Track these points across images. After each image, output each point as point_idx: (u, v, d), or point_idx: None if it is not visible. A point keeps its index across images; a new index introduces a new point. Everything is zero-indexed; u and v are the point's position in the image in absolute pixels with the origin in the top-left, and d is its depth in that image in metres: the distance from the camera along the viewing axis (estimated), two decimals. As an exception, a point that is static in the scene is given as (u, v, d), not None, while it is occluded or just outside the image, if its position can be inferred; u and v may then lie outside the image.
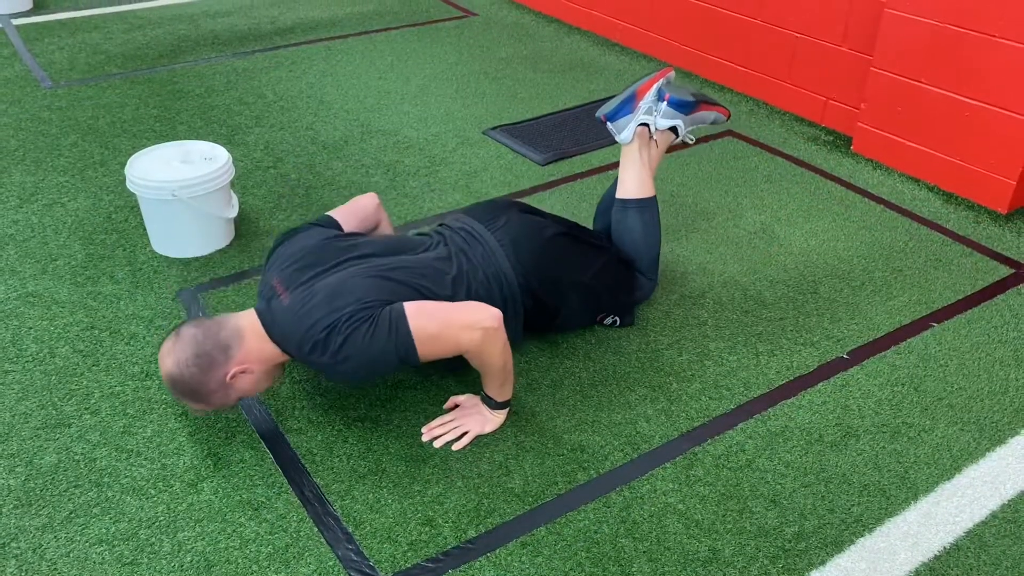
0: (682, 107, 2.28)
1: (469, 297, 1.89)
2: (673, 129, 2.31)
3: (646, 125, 2.28)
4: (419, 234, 2.09)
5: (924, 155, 2.96)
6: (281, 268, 1.87)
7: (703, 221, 2.73)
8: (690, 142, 2.40)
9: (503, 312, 1.83)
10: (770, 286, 2.41)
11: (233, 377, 1.75)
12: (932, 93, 2.85)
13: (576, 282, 2.09)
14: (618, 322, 2.22)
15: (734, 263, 2.51)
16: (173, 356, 1.73)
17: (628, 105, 2.29)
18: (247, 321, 1.80)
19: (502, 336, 1.78)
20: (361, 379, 1.80)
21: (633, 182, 2.28)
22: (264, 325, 1.79)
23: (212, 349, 1.73)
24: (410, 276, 1.85)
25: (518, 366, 2.08)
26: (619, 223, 2.27)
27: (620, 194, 2.29)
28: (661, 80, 2.30)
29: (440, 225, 2.10)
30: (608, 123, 2.31)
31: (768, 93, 3.57)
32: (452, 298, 1.87)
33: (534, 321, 2.08)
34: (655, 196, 2.29)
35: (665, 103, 2.27)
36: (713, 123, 2.39)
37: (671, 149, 2.53)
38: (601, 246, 2.19)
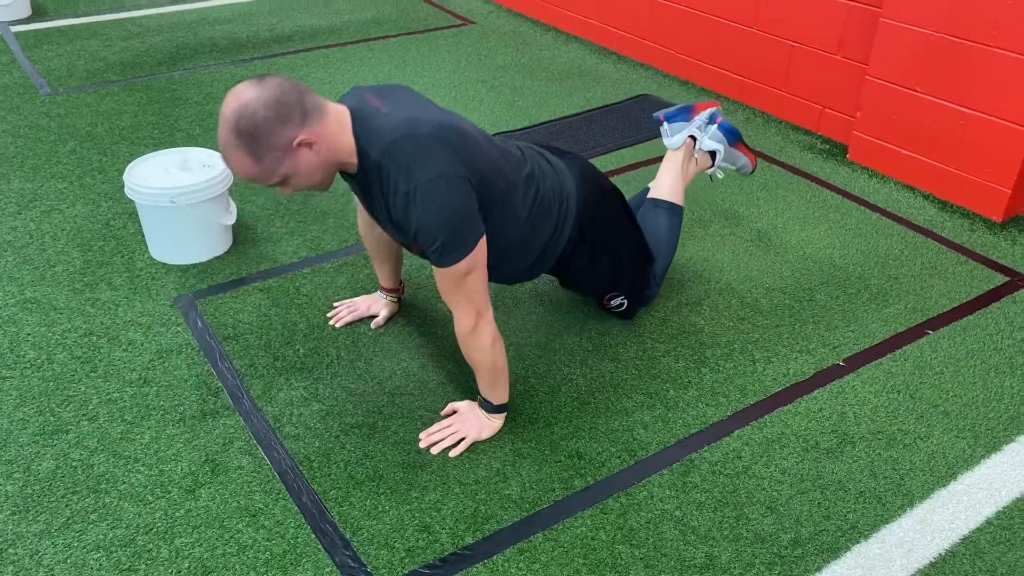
0: (729, 134, 2.43)
1: (537, 196, 1.90)
2: (712, 154, 2.42)
3: (693, 138, 2.39)
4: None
5: (920, 163, 2.97)
6: (376, 91, 1.78)
7: (699, 228, 2.74)
8: (719, 178, 2.51)
9: (552, 229, 1.91)
10: (767, 293, 2.42)
11: (300, 145, 1.61)
12: (927, 102, 2.87)
13: (617, 240, 2.13)
14: (624, 305, 2.23)
15: (731, 270, 2.53)
16: (254, 92, 1.57)
17: (686, 114, 2.39)
18: (334, 108, 1.68)
19: (492, 330, 1.80)
20: (399, 220, 1.69)
21: (669, 185, 2.36)
22: (354, 120, 1.68)
23: (296, 104, 1.59)
24: (499, 155, 1.83)
25: (514, 373, 2.09)
26: (647, 220, 2.31)
27: (654, 193, 2.36)
28: (715, 108, 2.42)
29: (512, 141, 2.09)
30: (665, 123, 2.39)
31: (764, 101, 3.59)
32: (525, 192, 1.87)
33: (570, 258, 2.07)
34: (683, 207, 2.37)
35: (716, 126, 2.39)
36: (739, 169, 2.51)
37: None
38: (639, 226, 2.22)
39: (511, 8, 4.88)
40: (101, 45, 4.21)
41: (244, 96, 1.57)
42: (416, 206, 1.64)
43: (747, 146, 2.50)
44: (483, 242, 1.73)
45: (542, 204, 1.92)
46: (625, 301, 2.22)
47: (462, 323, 1.79)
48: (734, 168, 2.50)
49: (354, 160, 1.70)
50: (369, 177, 1.71)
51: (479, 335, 1.79)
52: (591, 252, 2.08)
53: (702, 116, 2.39)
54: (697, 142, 2.39)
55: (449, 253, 1.68)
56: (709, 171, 2.47)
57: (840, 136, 3.33)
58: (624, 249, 2.16)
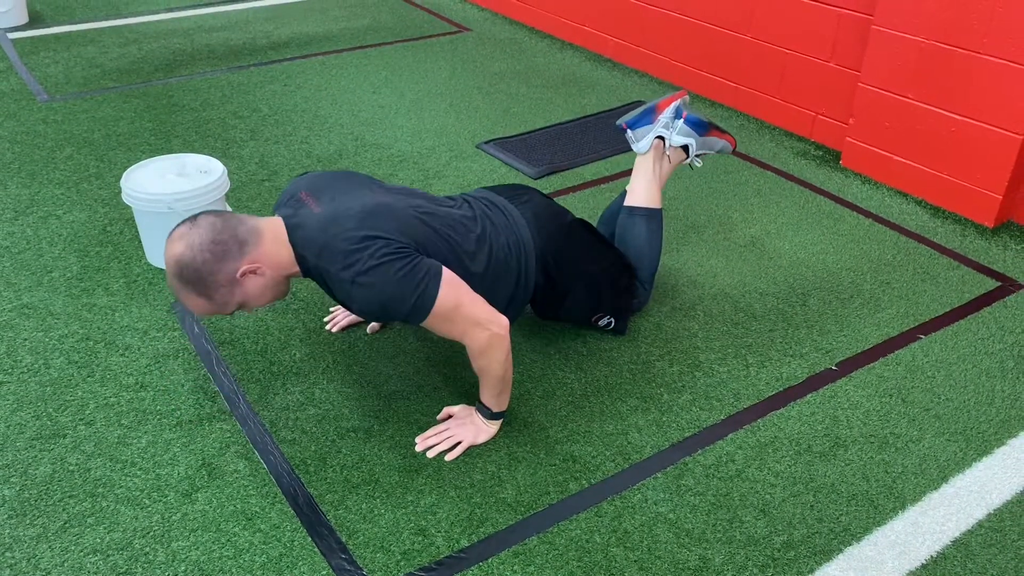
0: (697, 126, 2.37)
1: (490, 258, 1.91)
2: (685, 148, 2.38)
3: (662, 138, 2.35)
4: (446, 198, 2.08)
5: (912, 169, 2.99)
6: (310, 185, 1.83)
7: (694, 234, 2.75)
8: (697, 166, 2.46)
9: (515, 283, 1.90)
10: (760, 298, 2.44)
11: (244, 275, 1.69)
12: (919, 108, 2.89)
13: (586, 271, 2.12)
14: (612, 324, 2.24)
15: (725, 276, 2.54)
16: (187, 240, 1.66)
17: (648, 116, 2.36)
18: (267, 224, 1.75)
19: (506, 343, 1.80)
20: (363, 309, 1.74)
21: (643, 191, 2.34)
22: (289, 229, 1.75)
23: (229, 239, 1.67)
24: (442, 225, 1.85)
25: (510, 377, 2.11)
26: (625, 229, 2.31)
27: (629, 201, 2.35)
28: (679, 100, 2.38)
29: (462, 195, 2.10)
30: (628, 130, 2.38)
31: (758, 108, 3.62)
32: (475, 256, 1.88)
33: (540, 301, 2.09)
34: (662, 209, 2.35)
35: (682, 121, 2.35)
36: (719, 151, 2.46)
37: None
38: (611, 244, 2.23)
39: (507, 15, 4.91)
40: (98, 52, 4.23)
41: (178, 248, 1.67)
42: (364, 294, 1.70)
43: (720, 129, 2.43)
44: (446, 273, 1.74)
45: (497, 261, 1.93)
46: (612, 320, 2.24)
47: (476, 345, 1.79)
48: (714, 152, 2.44)
49: (297, 268, 1.78)
50: (315, 276, 1.79)
51: (494, 349, 1.79)
52: (562, 291, 2.09)
53: (666, 113, 2.35)
54: (666, 141, 2.35)
55: (418, 312, 1.72)
56: (686, 162, 2.42)
57: (833, 142, 3.35)
58: (597, 275, 2.15)
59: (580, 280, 2.12)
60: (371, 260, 1.67)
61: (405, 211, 1.80)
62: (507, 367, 1.84)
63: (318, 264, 1.72)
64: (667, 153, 2.38)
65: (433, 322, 1.75)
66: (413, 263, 1.70)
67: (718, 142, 2.42)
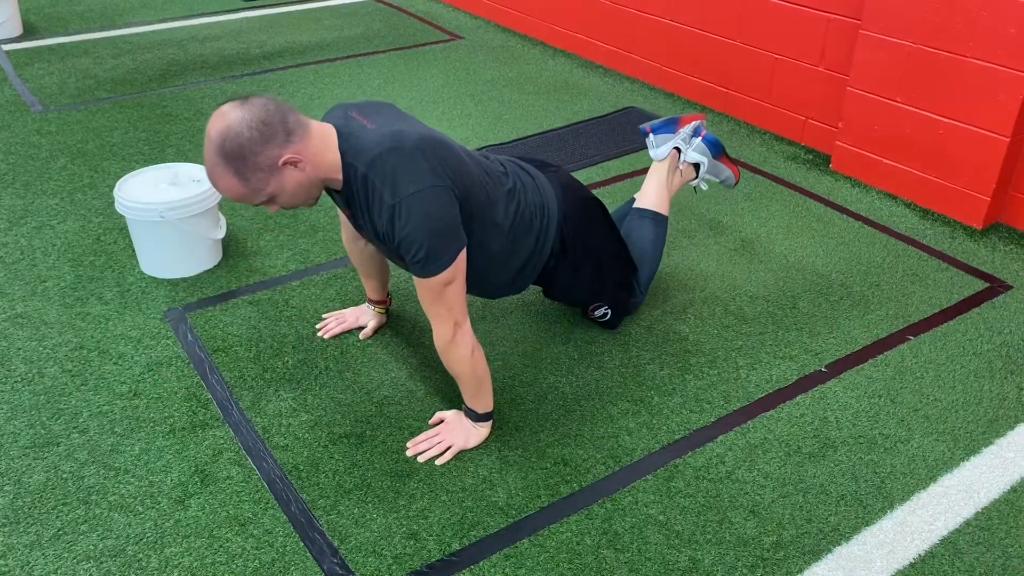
0: (713, 147, 2.47)
1: (518, 211, 1.94)
2: (696, 166, 2.47)
3: (679, 150, 2.43)
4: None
5: (901, 172, 3.01)
6: (360, 108, 1.81)
7: (684, 238, 2.77)
8: (703, 190, 2.55)
9: (535, 241, 1.96)
10: (750, 301, 2.45)
11: (285, 164, 1.65)
12: (907, 112, 2.92)
13: (598, 249, 2.15)
14: (608, 315, 2.26)
15: (715, 279, 2.56)
16: (238, 113, 1.61)
17: (672, 126, 2.44)
18: (317, 125, 1.72)
19: (469, 341, 1.82)
20: (381, 232, 1.72)
21: (654, 195, 2.39)
22: (340, 135, 1.72)
23: (279, 124, 1.63)
24: (481, 171, 1.87)
25: (501, 381, 2.12)
26: (633, 228, 2.34)
27: (640, 203, 2.40)
28: (700, 121, 2.47)
29: (495, 156, 2.11)
30: (652, 134, 2.44)
31: (748, 113, 3.64)
32: (504, 207, 1.90)
33: (551, 269, 2.10)
34: (668, 218, 2.40)
35: (700, 139, 2.44)
36: (723, 182, 2.55)
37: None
38: (622, 238, 2.25)
39: (499, 23, 4.93)
40: (92, 63, 4.24)
41: (229, 118, 1.60)
42: (400, 218, 1.67)
43: (730, 158, 2.55)
44: (463, 254, 1.75)
45: (523, 217, 1.96)
46: (609, 311, 2.25)
47: (441, 334, 1.82)
48: (718, 180, 2.54)
49: (339, 176, 1.73)
50: (355, 191, 1.74)
51: (458, 346, 1.82)
52: (573, 262, 2.11)
53: (687, 129, 2.44)
54: (682, 154, 2.44)
55: (431, 264, 1.71)
56: (693, 183, 2.51)
57: (823, 146, 3.37)
58: (606, 259, 2.18)
59: (591, 257, 2.14)
60: (419, 197, 1.64)
61: (454, 147, 1.81)
62: (475, 365, 1.85)
63: (367, 175, 1.68)
64: (680, 167, 2.45)
65: (426, 285, 1.74)
66: (454, 223, 1.71)
67: (725, 170, 2.52)
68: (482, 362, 1.87)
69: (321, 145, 1.70)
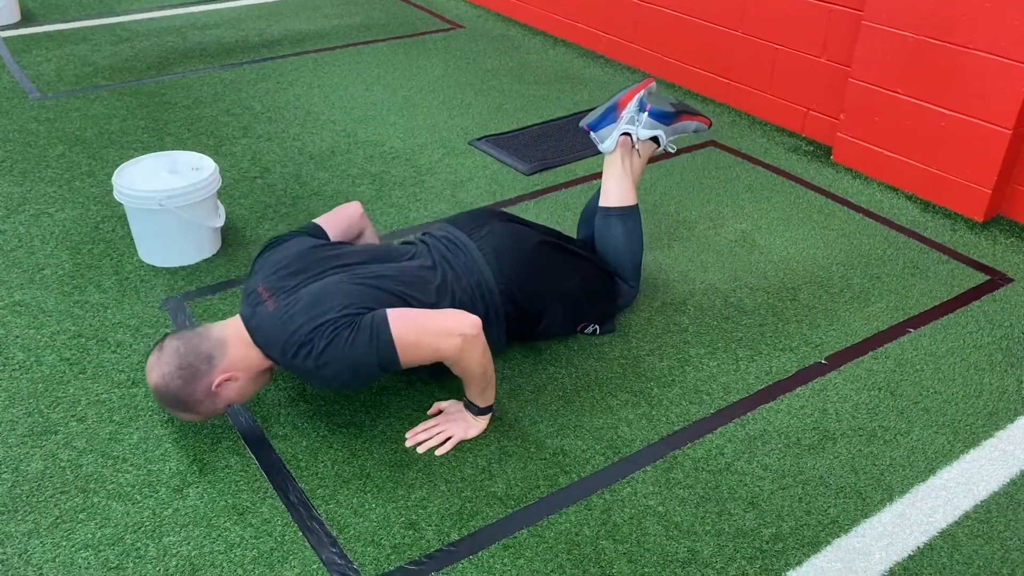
0: (663, 117, 2.33)
1: (453, 305, 1.93)
2: (655, 139, 2.35)
3: (628, 134, 2.33)
4: (404, 243, 2.12)
5: (902, 164, 3.01)
6: (266, 275, 1.89)
7: (685, 230, 2.76)
8: (672, 151, 2.44)
9: (484, 319, 1.88)
10: (750, 293, 2.45)
11: (219, 385, 1.78)
12: (909, 104, 2.91)
13: (558, 291, 2.12)
14: (598, 331, 2.25)
15: (715, 271, 2.55)
16: (158, 370, 1.77)
17: (611, 115, 2.33)
18: (232, 329, 1.82)
19: (481, 342, 1.80)
20: (343, 384, 1.82)
21: (615, 191, 2.31)
22: (249, 331, 1.81)
23: (195, 360, 1.76)
24: (394, 284, 1.88)
25: (501, 372, 2.11)
26: (602, 231, 2.30)
27: (603, 203, 2.32)
28: (643, 91, 2.34)
29: (424, 234, 2.13)
30: (591, 132, 2.35)
31: (750, 104, 3.62)
32: (436, 306, 1.90)
33: (516, 327, 2.10)
34: (637, 204, 2.32)
35: (646, 114, 2.32)
36: (695, 132, 2.43)
37: (654, 159, 2.57)
38: (583, 255, 2.21)
39: (500, 12, 4.91)
40: (90, 50, 4.22)
41: (152, 377, 1.78)
42: (330, 371, 1.75)
43: (691, 112, 2.39)
44: (391, 313, 1.76)
45: (462, 306, 1.94)
46: (597, 327, 2.25)
47: (450, 353, 1.79)
48: (691, 133, 2.41)
49: (269, 363, 1.84)
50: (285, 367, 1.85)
51: (469, 351, 1.79)
52: (536, 312, 2.10)
53: (629, 108, 2.31)
54: (633, 136, 2.32)
55: (387, 360, 1.75)
56: (660, 150, 2.39)
57: (824, 138, 3.36)
58: (570, 292, 2.14)
59: (554, 301, 2.12)
60: (322, 341, 1.73)
61: (352, 284, 1.84)
62: (485, 364, 1.85)
63: (284, 362, 1.79)
64: (636, 148, 2.34)
65: (408, 358, 1.77)
66: (356, 325, 1.74)
67: (691, 124, 2.39)
68: (491, 361, 1.87)
69: (243, 348, 1.81)
